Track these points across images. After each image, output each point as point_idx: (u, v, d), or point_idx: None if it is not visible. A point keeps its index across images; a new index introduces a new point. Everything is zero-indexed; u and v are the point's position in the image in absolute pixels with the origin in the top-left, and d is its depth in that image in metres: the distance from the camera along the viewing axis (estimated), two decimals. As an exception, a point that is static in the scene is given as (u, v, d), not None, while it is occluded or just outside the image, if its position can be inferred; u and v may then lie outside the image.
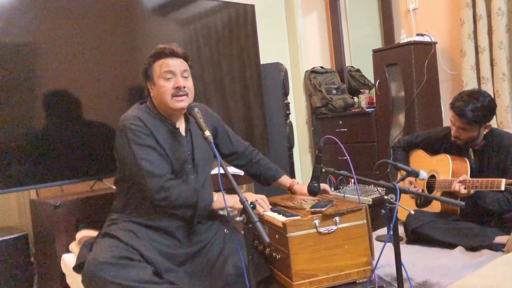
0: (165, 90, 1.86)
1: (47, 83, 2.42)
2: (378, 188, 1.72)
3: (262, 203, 1.90)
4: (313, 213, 1.74)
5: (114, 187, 2.09)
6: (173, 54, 1.89)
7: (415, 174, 1.79)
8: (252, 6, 3.43)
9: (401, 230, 2.32)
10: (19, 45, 2.34)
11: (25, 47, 2.36)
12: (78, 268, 1.85)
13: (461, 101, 2.25)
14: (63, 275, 2.28)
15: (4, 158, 2.26)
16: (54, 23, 2.43)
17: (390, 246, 1.63)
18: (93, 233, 2.20)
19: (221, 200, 1.85)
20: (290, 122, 3.80)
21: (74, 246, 2.28)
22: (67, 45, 2.47)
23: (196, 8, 3.10)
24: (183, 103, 1.88)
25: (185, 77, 1.91)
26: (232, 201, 1.82)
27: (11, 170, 2.28)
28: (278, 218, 1.78)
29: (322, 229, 1.70)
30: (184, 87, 1.88)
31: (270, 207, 1.95)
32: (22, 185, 2.33)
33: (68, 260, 2.21)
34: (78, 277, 1.77)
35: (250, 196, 1.94)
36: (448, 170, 2.37)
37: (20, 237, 2.51)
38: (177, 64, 1.89)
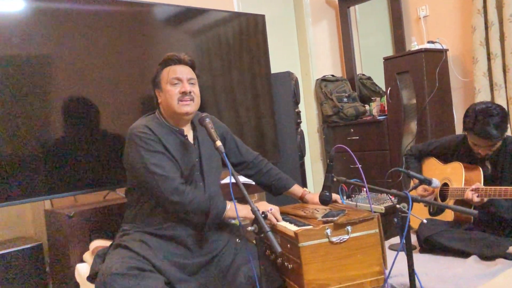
0: (172, 95, 1.91)
1: (61, 94, 2.45)
2: (391, 196, 1.71)
3: (274, 213, 1.91)
4: (325, 222, 1.74)
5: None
6: (180, 61, 1.97)
7: (428, 182, 1.78)
8: (263, 16, 3.46)
9: (413, 238, 2.30)
10: (34, 57, 2.38)
11: (41, 58, 2.40)
12: (91, 278, 1.87)
13: (478, 122, 2.18)
14: (77, 285, 2.29)
15: (19, 168, 2.30)
16: (69, 35, 2.47)
17: (403, 255, 1.62)
18: (106, 243, 2.21)
19: (234, 209, 1.85)
20: (301, 131, 3.80)
21: (88, 256, 2.30)
22: (81, 56, 2.51)
23: (208, 18, 3.14)
24: (188, 107, 1.92)
25: (192, 84, 1.96)
26: (245, 211, 1.81)
27: (26, 181, 2.31)
28: (290, 228, 1.78)
29: (334, 239, 1.69)
30: (190, 92, 1.93)
31: (282, 217, 1.95)
32: (37, 195, 2.36)
33: (82, 270, 2.23)
34: (92, 287, 1.79)
35: (263, 206, 1.95)
36: (461, 178, 2.35)
37: (35, 247, 2.54)
38: (184, 71, 1.95)
